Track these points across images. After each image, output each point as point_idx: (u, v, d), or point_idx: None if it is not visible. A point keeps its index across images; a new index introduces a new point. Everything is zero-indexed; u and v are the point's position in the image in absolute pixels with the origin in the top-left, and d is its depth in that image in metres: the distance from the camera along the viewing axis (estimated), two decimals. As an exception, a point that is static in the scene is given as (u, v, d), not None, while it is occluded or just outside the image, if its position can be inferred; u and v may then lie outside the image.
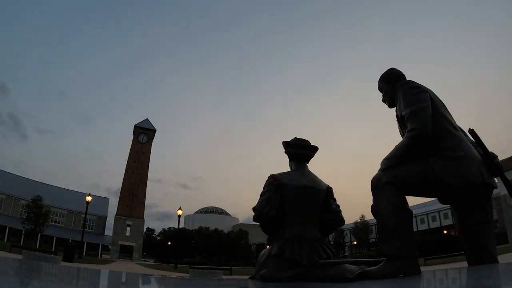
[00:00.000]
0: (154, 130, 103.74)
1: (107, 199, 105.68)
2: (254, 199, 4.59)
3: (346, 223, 5.08)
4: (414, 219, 4.78)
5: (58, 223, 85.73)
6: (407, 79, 4.23)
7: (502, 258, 4.51)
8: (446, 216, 73.58)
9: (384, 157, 3.92)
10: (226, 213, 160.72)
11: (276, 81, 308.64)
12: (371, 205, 3.90)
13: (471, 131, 3.88)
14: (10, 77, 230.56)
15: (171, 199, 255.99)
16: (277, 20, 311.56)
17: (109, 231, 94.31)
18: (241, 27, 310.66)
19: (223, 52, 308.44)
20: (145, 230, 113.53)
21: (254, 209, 4.43)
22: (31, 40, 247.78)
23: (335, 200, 4.75)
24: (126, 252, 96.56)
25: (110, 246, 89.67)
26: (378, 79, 4.52)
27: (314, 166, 4.90)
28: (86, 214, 50.02)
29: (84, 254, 50.93)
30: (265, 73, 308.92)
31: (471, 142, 3.91)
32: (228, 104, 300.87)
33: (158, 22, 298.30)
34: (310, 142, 4.93)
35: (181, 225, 77.21)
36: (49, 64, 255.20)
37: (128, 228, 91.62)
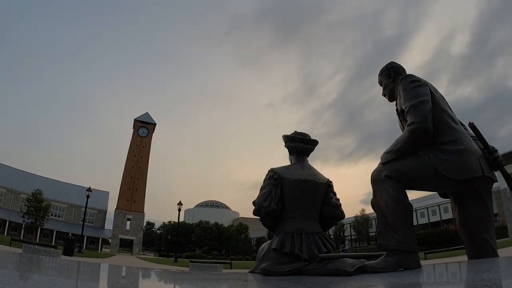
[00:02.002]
0: (154, 124, 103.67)
1: (107, 193, 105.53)
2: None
3: (346, 217, 5.08)
4: (414, 213, 4.77)
5: (58, 217, 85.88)
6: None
7: (502, 252, 4.52)
8: (446, 210, 73.69)
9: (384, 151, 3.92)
10: (226, 207, 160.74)
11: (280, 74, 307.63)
12: (371, 199, 3.90)
13: (471, 125, 3.88)
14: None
15: (171, 193, 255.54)
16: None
17: (109, 225, 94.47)
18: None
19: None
20: (145, 224, 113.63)
21: (254, 203, 4.43)
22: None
23: (335, 194, 4.75)
24: (126, 246, 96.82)
25: (110, 240, 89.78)
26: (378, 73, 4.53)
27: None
28: (86, 208, 50.16)
29: (84, 248, 50.89)
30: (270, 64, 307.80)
31: (471, 136, 3.90)
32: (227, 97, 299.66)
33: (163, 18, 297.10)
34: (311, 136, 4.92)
35: (181, 219, 77.34)
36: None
37: (128, 222, 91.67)
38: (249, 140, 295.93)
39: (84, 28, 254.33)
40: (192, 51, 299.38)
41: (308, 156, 4.90)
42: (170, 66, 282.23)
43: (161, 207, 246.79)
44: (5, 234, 62.49)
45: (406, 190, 3.73)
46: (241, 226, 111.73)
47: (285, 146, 4.94)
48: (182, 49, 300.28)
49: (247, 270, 4.94)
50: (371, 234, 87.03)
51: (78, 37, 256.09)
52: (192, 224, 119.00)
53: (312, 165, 4.82)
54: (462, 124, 4.01)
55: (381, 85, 4.49)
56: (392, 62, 4.43)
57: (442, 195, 4.14)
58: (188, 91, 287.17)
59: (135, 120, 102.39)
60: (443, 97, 4.01)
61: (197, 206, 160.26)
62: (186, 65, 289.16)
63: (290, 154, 4.94)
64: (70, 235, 40.77)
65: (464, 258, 4.13)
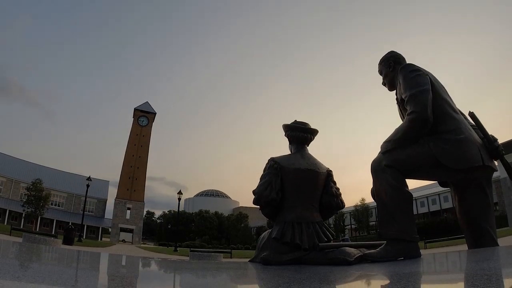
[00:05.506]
0: (154, 113, 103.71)
1: (107, 182, 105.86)
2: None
3: (346, 206, 5.07)
4: (414, 202, 4.78)
5: (58, 206, 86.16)
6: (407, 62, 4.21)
7: (502, 241, 4.52)
8: (446, 199, 73.76)
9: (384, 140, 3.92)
10: (226, 196, 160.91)
11: (275, 67, 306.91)
12: (371, 188, 3.90)
13: (471, 114, 3.88)
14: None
15: (171, 183, 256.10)
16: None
17: (109, 214, 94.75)
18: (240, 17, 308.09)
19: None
20: (145, 213, 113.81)
21: (254, 192, 4.42)
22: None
23: (335, 183, 4.74)
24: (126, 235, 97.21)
25: (110, 229, 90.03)
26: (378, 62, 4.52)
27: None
28: (86, 197, 50.23)
29: (84, 237, 51.08)
30: (266, 58, 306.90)
31: (471, 125, 3.90)
32: (228, 87, 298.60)
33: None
34: (310, 125, 4.91)
35: (181, 208, 77.46)
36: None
37: (128, 211, 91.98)
38: (250, 129, 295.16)
39: (82, 15, 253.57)
40: (191, 40, 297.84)
41: (308, 145, 4.89)
42: (170, 55, 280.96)
43: (161, 196, 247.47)
44: (5, 223, 62.73)
45: (406, 179, 3.73)
46: (241, 215, 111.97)
47: (285, 135, 4.93)
48: (181, 39, 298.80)
49: (247, 259, 4.94)
50: (371, 223, 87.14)
51: (76, 26, 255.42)
52: (192, 213, 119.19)
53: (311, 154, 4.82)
54: (462, 113, 4.00)
55: (381, 74, 4.48)
56: (392, 51, 4.42)
57: (442, 184, 4.15)
58: (189, 80, 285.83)
59: (135, 109, 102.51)
60: (443, 86, 4.00)
61: (197, 195, 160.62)
62: (186, 55, 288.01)
63: (290, 143, 4.92)
64: (70, 224, 40.79)
65: (464, 247, 4.14)
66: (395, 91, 4.23)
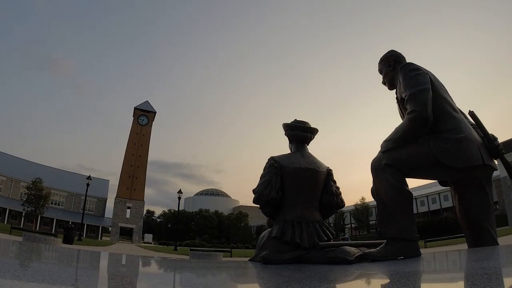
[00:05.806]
0: (154, 112, 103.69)
1: (107, 181, 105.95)
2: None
3: (346, 205, 5.07)
4: (414, 201, 4.78)
5: (58, 205, 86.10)
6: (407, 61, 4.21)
7: (502, 240, 4.53)
8: (446, 198, 73.78)
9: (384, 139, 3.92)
10: (226, 195, 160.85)
11: (276, 64, 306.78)
12: (371, 187, 3.90)
13: (471, 113, 3.88)
14: None
15: (171, 181, 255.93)
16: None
17: (109, 213, 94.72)
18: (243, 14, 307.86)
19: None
20: (145, 212, 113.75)
21: (254, 191, 4.42)
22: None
23: (335, 182, 4.73)
24: (126, 234, 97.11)
25: (110, 228, 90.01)
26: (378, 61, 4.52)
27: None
28: (86, 196, 50.26)
29: (84, 236, 51.06)
30: (266, 57, 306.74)
31: (471, 124, 3.90)
32: (229, 82, 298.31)
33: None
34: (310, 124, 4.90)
35: (181, 208, 77.47)
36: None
37: (128, 210, 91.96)
38: (250, 129, 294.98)
39: (82, 15, 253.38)
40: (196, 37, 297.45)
41: (308, 144, 4.88)
42: (170, 55, 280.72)
43: (161, 195, 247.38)
44: (5, 222, 62.72)
45: (406, 178, 3.73)
46: (241, 214, 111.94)
47: (285, 134, 4.92)
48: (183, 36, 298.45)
49: (247, 259, 4.94)
50: (371, 222, 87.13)
51: (76, 25, 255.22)
52: (192, 212, 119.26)
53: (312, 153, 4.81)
54: (462, 112, 4.00)
55: (381, 73, 4.48)
56: (392, 50, 4.42)
57: (442, 183, 4.15)
58: (189, 79, 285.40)
59: (135, 109, 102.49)
60: (443, 85, 4.00)
61: (197, 194, 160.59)
62: (188, 52, 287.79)
63: (290, 142, 4.91)
64: (70, 223, 40.78)
65: (464, 246, 4.14)
66: (395, 90, 4.22)
